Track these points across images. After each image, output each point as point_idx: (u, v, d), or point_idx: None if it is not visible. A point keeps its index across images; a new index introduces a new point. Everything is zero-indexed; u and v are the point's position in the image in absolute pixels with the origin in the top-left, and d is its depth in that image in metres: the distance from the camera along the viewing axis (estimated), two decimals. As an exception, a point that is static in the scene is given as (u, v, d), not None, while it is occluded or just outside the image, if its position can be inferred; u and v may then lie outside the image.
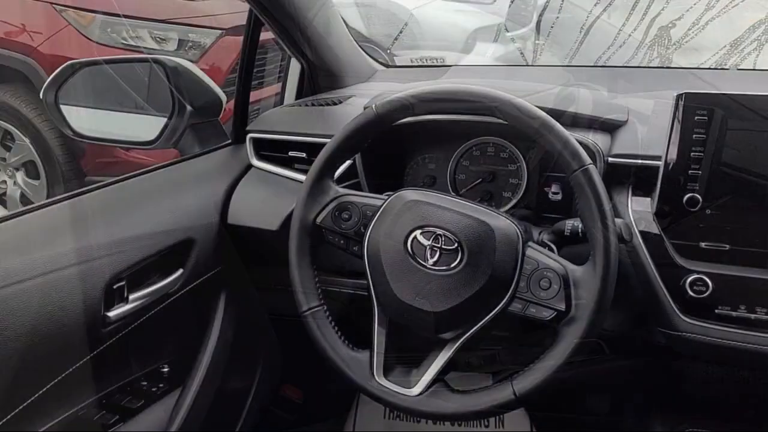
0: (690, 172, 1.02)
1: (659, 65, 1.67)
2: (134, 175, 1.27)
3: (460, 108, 1.00)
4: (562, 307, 0.90)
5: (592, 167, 0.91)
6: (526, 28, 3.28)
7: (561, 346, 0.90)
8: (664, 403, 1.31)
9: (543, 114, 0.94)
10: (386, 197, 1.03)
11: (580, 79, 1.50)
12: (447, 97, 0.99)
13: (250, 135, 1.39)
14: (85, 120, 1.40)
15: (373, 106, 1.03)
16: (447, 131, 1.30)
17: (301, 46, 1.40)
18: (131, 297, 1.11)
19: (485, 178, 1.29)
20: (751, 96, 1.00)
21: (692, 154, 1.02)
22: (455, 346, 0.95)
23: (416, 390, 0.96)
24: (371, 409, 1.73)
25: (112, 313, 1.07)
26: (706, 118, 1.01)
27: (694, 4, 1.51)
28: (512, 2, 3.52)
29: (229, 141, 1.46)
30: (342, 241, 1.05)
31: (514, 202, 1.27)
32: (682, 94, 1.03)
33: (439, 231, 0.95)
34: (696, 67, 1.56)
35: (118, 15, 2.97)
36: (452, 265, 0.94)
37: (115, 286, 1.07)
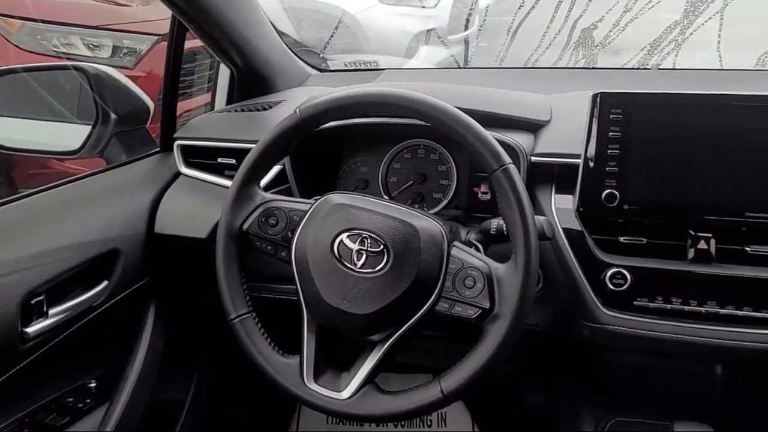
0: (607, 169, 1.05)
1: (584, 66, 1.72)
2: (57, 185, 1.23)
3: (382, 111, 1.00)
4: (487, 304, 0.91)
5: (511, 167, 0.91)
6: (467, 31, 3.32)
7: (486, 343, 0.90)
8: (595, 394, 1.35)
9: (462, 115, 0.94)
10: (313, 202, 1.03)
11: (511, 81, 1.53)
12: (367, 101, 0.99)
13: (177, 142, 1.37)
14: (4, 130, 1.36)
15: (297, 110, 1.03)
16: (379, 134, 1.31)
17: (228, 52, 1.38)
18: (51, 312, 1.07)
19: (416, 180, 1.30)
20: (664, 94, 1.04)
21: (609, 151, 1.05)
22: (384, 348, 0.95)
23: (346, 393, 0.96)
24: (314, 412, 1.72)
25: (30, 329, 1.03)
26: (621, 116, 1.05)
27: (613, 6, 1.56)
28: (453, 6, 3.56)
29: (157, 149, 1.43)
30: (269, 247, 1.04)
31: (444, 202, 1.28)
32: (598, 94, 1.06)
33: (365, 234, 0.95)
34: (619, 68, 1.62)
35: (45, 21, 2.87)
36: (378, 267, 0.94)
37: (33, 301, 1.03)
